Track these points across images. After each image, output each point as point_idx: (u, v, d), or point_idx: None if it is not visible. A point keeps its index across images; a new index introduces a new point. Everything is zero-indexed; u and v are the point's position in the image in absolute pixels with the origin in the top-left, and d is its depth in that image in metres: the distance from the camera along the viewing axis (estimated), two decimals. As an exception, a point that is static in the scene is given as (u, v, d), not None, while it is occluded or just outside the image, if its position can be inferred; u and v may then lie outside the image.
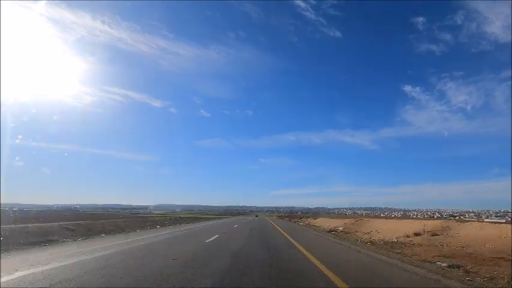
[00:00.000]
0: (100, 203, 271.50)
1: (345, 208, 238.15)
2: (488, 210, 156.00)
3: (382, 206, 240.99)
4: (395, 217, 44.99)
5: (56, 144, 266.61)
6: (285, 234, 17.34)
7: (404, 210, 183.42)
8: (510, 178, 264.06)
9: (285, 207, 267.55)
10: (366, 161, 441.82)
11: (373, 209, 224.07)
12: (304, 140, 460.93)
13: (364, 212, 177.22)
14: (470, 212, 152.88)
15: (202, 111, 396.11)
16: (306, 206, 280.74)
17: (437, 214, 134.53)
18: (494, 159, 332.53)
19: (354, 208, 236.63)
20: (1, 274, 5.43)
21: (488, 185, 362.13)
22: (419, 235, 14.84)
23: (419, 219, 28.65)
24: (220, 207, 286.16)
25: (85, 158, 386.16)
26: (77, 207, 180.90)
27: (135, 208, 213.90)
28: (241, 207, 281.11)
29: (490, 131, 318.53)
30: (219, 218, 57.60)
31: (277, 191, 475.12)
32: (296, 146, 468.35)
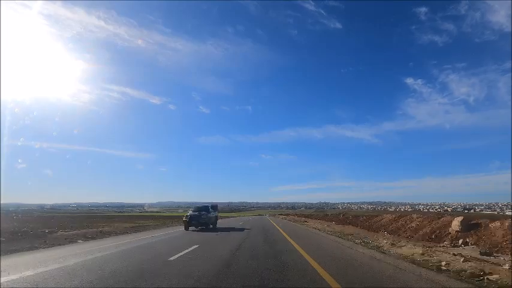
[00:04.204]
0: (100, 202, 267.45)
1: (348, 203, 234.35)
2: (497, 203, 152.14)
3: (386, 201, 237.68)
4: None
5: (54, 143, 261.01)
6: None
7: (411, 204, 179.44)
8: (510, 171, 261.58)
9: (287, 203, 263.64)
10: (368, 155, 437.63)
11: (376, 204, 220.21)
12: (305, 135, 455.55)
13: (370, 207, 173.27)
14: (480, 205, 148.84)
15: (201, 107, 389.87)
16: (308, 202, 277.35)
17: (448, 209, 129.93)
18: (496, 152, 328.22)
19: (356, 203, 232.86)
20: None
21: (489, 178, 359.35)
22: None
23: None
24: (220, 204, 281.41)
25: (83, 157, 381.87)
26: (73, 206, 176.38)
27: (129, 206, 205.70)
28: (242, 203, 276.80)
29: (493, 123, 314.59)
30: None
31: (278, 187, 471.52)
32: (297, 141, 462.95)
